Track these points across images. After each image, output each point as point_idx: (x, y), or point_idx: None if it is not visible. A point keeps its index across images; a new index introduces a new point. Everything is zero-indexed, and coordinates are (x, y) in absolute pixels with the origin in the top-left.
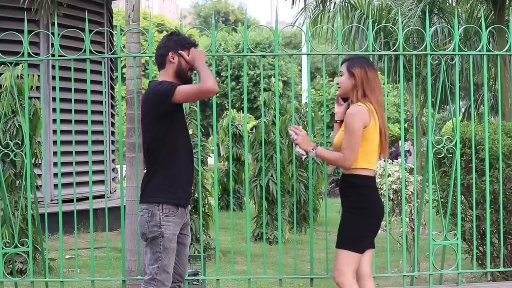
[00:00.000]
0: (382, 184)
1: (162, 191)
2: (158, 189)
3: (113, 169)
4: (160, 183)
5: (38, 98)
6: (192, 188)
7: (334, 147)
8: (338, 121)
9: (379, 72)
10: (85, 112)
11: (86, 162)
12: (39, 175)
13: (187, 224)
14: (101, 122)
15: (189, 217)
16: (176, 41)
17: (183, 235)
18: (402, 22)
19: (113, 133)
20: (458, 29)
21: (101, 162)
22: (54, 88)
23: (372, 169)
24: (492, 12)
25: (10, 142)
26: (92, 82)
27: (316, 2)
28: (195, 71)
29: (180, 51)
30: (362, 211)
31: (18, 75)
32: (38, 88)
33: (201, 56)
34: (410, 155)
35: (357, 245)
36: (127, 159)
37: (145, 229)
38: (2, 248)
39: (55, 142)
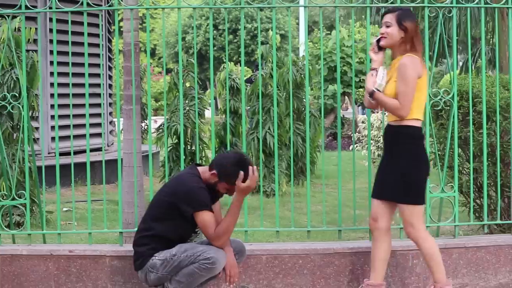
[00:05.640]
0: (380, 137)
1: None
2: None
3: (110, 122)
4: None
5: (36, 51)
6: (190, 141)
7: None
8: (373, 69)
9: (376, 25)
10: (82, 65)
11: (83, 115)
12: (37, 128)
13: None
14: (98, 75)
15: None
16: (227, 175)
17: None
18: None
19: (110, 86)
20: None
21: (99, 115)
22: (51, 41)
23: (422, 120)
24: None
25: (8, 94)
26: (90, 35)
27: None
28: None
29: (223, 183)
30: (422, 163)
31: (15, 27)
32: (35, 41)
33: (244, 191)
34: None
35: (424, 198)
36: (124, 112)
37: None
38: (0, 201)
39: (52, 95)
